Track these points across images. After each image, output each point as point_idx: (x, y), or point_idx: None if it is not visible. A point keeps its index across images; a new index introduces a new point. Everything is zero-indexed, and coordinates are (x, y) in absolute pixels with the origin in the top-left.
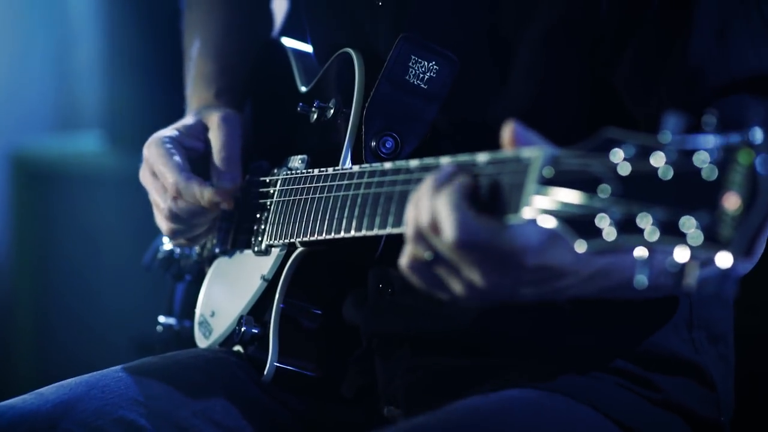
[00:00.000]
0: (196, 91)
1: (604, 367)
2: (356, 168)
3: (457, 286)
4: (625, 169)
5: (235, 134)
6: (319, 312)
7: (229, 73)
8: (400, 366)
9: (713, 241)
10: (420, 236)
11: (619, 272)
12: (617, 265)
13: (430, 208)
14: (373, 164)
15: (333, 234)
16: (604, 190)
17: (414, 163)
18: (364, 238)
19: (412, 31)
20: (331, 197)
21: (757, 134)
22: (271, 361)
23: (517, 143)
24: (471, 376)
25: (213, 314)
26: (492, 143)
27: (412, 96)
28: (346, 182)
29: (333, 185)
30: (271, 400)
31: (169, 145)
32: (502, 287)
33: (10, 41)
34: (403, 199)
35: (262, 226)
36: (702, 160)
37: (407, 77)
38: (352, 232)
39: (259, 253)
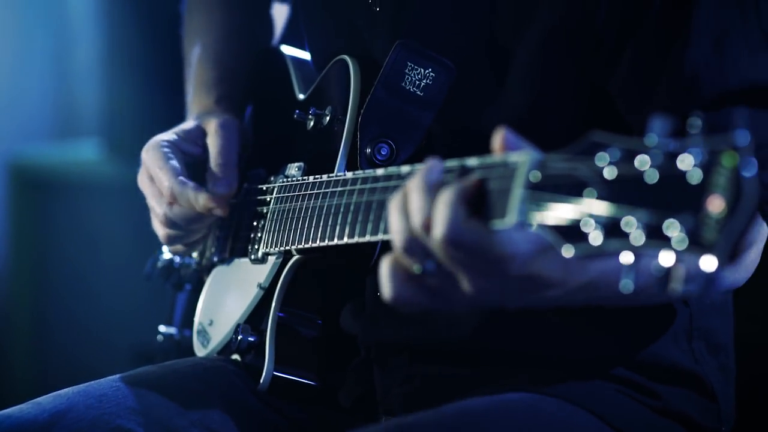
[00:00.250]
0: (196, 98)
1: (604, 375)
2: (349, 175)
3: (445, 294)
4: (611, 173)
5: (233, 140)
6: (316, 320)
7: (228, 80)
8: (398, 375)
9: (697, 244)
10: (412, 241)
11: (608, 284)
12: (606, 276)
13: (423, 208)
14: (366, 171)
15: (327, 241)
16: (590, 194)
17: (405, 169)
18: (360, 245)
19: (409, 37)
20: (325, 204)
21: (741, 137)
22: (267, 370)
23: (508, 150)
24: (468, 385)
25: (211, 323)
26: (488, 150)
27: (407, 103)
28: (339, 189)
29: (327, 192)
30: (268, 408)
31: (166, 149)
32: (489, 293)
33: (9, 50)
34: None
35: (259, 234)
36: (687, 163)
37: (403, 84)
38: (346, 239)
39: (256, 261)
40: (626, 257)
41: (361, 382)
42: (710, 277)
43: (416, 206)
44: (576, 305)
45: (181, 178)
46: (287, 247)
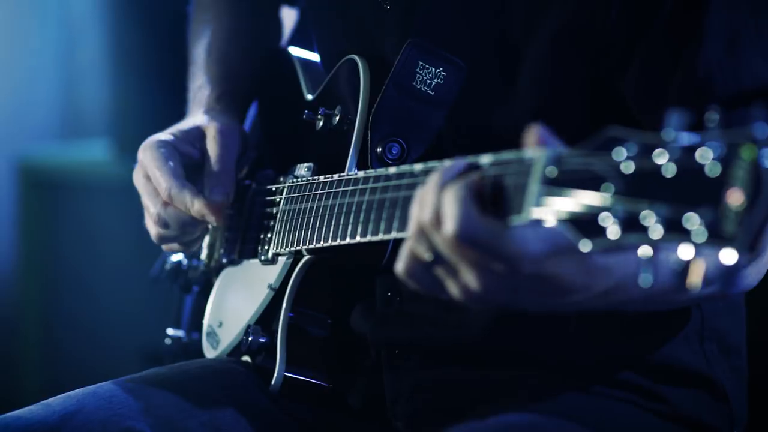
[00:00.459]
0: (197, 94)
1: (611, 381)
2: (361, 174)
3: (453, 289)
4: (628, 167)
5: (232, 147)
6: (327, 320)
7: (232, 79)
8: (408, 382)
9: (717, 237)
10: (422, 233)
11: (629, 288)
12: (627, 279)
13: (435, 203)
14: (378, 170)
15: (339, 240)
16: (608, 189)
17: (418, 167)
18: (371, 244)
19: (420, 36)
20: (336, 204)
21: (761, 130)
22: (278, 371)
23: (541, 145)
24: (476, 393)
25: (221, 324)
26: (498, 149)
27: (418, 102)
28: (351, 188)
29: (338, 192)
30: (279, 410)
31: (164, 150)
32: (499, 293)
33: (17, 51)
34: (407, 204)
35: (269, 235)
36: (705, 156)
37: (414, 83)
38: (358, 238)
39: (266, 261)
40: (645, 251)
41: (372, 384)
42: (730, 271)
43: (428, 200)
44: (595, 310)
45: (180, 180)
46: (298, 248)
